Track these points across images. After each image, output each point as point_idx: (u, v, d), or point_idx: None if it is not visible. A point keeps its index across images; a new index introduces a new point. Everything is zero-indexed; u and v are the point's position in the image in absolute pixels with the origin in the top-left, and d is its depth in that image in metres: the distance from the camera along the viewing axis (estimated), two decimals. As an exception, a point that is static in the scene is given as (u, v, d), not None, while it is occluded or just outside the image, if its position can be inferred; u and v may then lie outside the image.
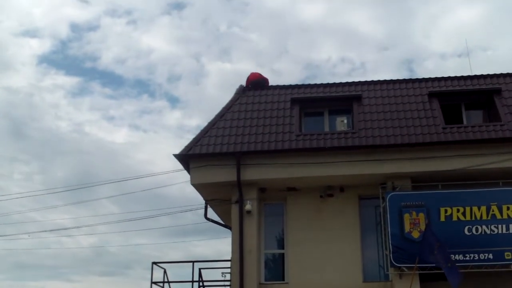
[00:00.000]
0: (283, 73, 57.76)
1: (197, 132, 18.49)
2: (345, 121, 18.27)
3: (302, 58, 60.10)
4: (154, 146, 55.53)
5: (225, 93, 53.88)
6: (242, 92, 20.20)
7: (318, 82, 20.44)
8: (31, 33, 60.56)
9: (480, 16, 55.45)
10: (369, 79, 20.34)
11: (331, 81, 20.53)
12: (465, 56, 56.18)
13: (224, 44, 61.39)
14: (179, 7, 65.23)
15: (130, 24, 61.96)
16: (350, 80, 20.63)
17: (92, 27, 63.06)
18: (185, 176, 19.18)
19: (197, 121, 59.29)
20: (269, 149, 17.43)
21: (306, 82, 20.44)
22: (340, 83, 20.36)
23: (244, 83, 20.68)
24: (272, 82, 20.86)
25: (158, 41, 60.53)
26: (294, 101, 19.24)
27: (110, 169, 49.10)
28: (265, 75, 20.87)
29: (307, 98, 19.40)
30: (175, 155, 17.54)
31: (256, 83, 20.53)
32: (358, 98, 18.99)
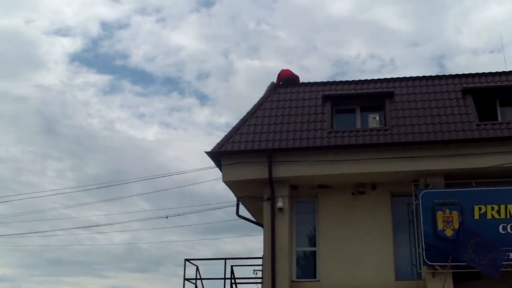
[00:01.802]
0: (312, 70, 57.76)
1: (227, 129, 18.81)
2: (377, 118, 18.23)
3: (331, 55, 60.13)
4: (183, 143, 56.17)
5: (254, 91, 54.29)
6: (273, 89, 20.30)
7: (348, 79, 20.58)
8: (62, 31, 61.68)
9: (513, 11, 54.60)
10: (399, 75, 20.38)
11: (360, 78, 20.93)
12: (497, 52, 55.30)
13: (252, 42, 61.67)
14: (208, 4, 65.69)
15: (160, 22, 62.64)
16: (379, 76, 20.83)
17: (122, 26, 63.98)
18: (215, 173, 19.40)
19: (226, 119, 59.70)
20: (301, 146, 17.48)
21: (335, 79, 20.49)
22: (372, 79, 20.36)
23: (274, 80, 20.79)
24: (301, 79, 21.03)
25: (187, 39, 61.14)
26: (325, 98, 19.27)
27: (140, 166, 49.71)
28: (294, 72, 21.04)
29: (339, 95, 19.41)
30: (207, 153, 17.72)
31: (288, 80, 20.60)
32: (390, 95, 18.95)
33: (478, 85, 19.16)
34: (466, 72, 19.96)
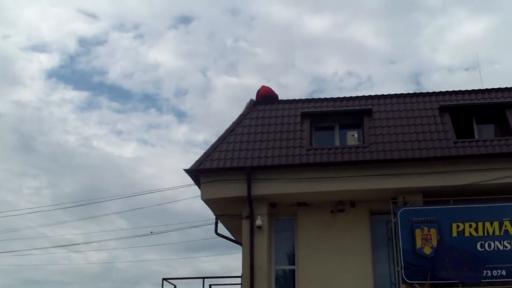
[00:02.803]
0: (290, 87, 57.99)
1: (205, 147, 18.73)
2: (356, 135, 18.28)
3: (309, 72, 60.45)
4: (161, 160, 55.78)
5: (232, 108, 54.20)
6: (252, 106, 20.32)
7: (325, 96, 20.66)
8: (39, 47, 61.25)
9: (487, 29, 55.53)
10: (376, 93, 20.53)
11: (338, 95, 20.76)
12: (472, 70, 56.12)
13: (230, 59, 61.78)
14: (186, 21, 65.74)
15: (138, 38, 62.51)
16: (357, 94, 20.88)
17: (100, 42, 63.63)
18: (194, 191, 19.30)
19: (205, 136, 59.45)
20: (280, 163, 17.47)
21: (313, 96, 20.63)
22: (350, 97, 20.47)
23: (253, 97, 20.85)
24: (280, 96, 21.08)
25: (165, 56, 61.05)
26: (304, 115, 19.33)
27: (118, 184, 49.28)
28: (272, 89, 21.10)
29: (318, 113, 19.47)
30: (186, 170, 17.64)
31: (267, 97, 20.66)
32: (368, 112, 19.04)
33: (455, 102, 19.29)
34: (443, 89, 20.12)
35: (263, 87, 21.20)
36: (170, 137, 59.22)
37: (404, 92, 20.48)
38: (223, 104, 57.65)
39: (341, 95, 20.76)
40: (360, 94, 20.59)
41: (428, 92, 20.17)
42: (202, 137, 59.94)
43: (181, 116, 65.33)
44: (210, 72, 61.84)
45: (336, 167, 17.03)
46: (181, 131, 60.51)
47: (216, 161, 17.87)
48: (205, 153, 18.18)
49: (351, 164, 17.00)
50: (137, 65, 61.85)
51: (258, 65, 59.22)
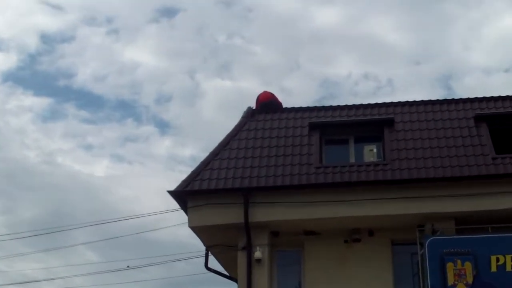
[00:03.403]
0: (295, 92, 57.69)
1: (193, 164, 18.87)
2: (375, 150, 18.40)
3: (317, 75, 60.00)
4: (140, 180, 55.53)
5: (225, 117, 53.97)
6: (250, 115, 20.44)
7: (337, 102, 21.02)
8: (-7, 46, 61.32)
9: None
10: (398, 99, 20.68)
11: (354, 102, 20.93)
12: (513, 71, 56.09)
13: (223, 58, 61.71)
14: (169, 13, 65.93)
15: (111, 34, 62.54)
16: (376, 100, 20.95)
17: (66, 38, 63.78)
18: (179, 217, 19.29)
19: (192, 151, 59.18)
20: (283, 184, 17.49)
21: (323, 103, 20.71)
22: (368, 104, 20.59)
23: (251, 105, 21.03)
24: (283, 103, 21.29)
25: (145, 55, 60.87)
26: (313, 126, 19.39)
27: (87, 209, 49.05)
28: (275, 95, 21.31)
29: (329, 123, 19.57)
30: (170, 192, 17.66)
31: (268, 104, 20.80)
32: (389, 123, 19.10)
33: (493, 111, 19.35)
34: (479, 95, 20.23)
35: (263, 92, 21.34)
36: (150, 152, 59.02)
37: (432, 98, 20.63)
38: (215, 112, 57.60)
39: (357, 102, 20.92)
40: (379, 101, 20.71)
41: (461, 99, 20.26)
42: (189, 152, 59.75)
43: (163, 127, 65.34)
44: (199, 75, 61.77)
45: (351, 188, 17.07)
46: (164, 145, 60.28)
47: (206, 181, 17.86)
48: (193, 172, 18.18)
49: (369, 185, 17.05)
50: (110, 66, 61.94)
51: (257, 66, 59.07)
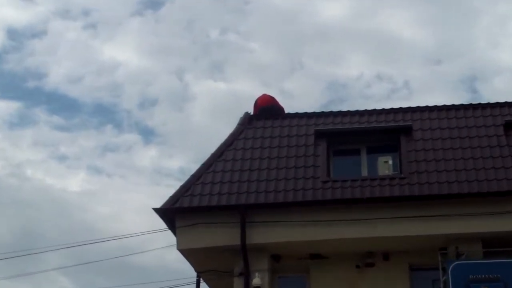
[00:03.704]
0: (297, 95, 57.02)
1: (182, 177, 18.98)
2: (390, 162, 18.44)
3: (324, 75, 59.52)
4: (121, 196, 55.24)
5: (218, 124, 53.34)
6: (247, 122, 20.54)
7: (347, 107, 21.11)
8: (-50, 42, 61.24)
9: None
10: (417, 104, 20.85)
11: (365, 107, 21.05)
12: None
13: (216, 57, 61.34)
14: (154, 5, 66.00)
15: (88, 29, 62.10)
16: (391, 105, 21.04)
17: (37, 33, 63.56)
18: (167, 238, 19.29)
19: (181, 162, 58.83)
20: (286, 200, 17.54)
21: (330, 108, 20.82)
22: (382, 110, 20.73)
23: (249, 110, 21.19)
24: (285, 108, 21.46)
25: (126, 53, 60.37)
26: (319, 134, 19.46)
27: (61, 228, 48.88)
28: (276, 98, 21.46)
29: (337, 131, 19.68)
30: (156, 210, 17.66)
31: (268, 109, 20.94)
32: (407, 131, 19.18)
33: (526, 117, 19.43)
34: (509, 99, 20.29)
35: (262, 96, 21.50)
36: (133, 163, 58.41)
37: (455, 102, 20.71)
38: (207, 118, 57.15)
39: (369, 107, 21.10)
40: (394, 106, 20.86)
41: (488, 103, 20.35)
42: (177, 163, 59.28)
43: (148, 134, 65.23)
44: (188, 75, 61.54)
45: (363, 205, 17.12)
46: (148, 156, 59.75)
47: (197, 197, 17.91)
48: (182, 187, 18.26)
49: (384, 202, 17.10)
50: (87, 65, 61.58)
51: (254, 65, 58.71)
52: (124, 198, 54.58)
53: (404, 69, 58.59)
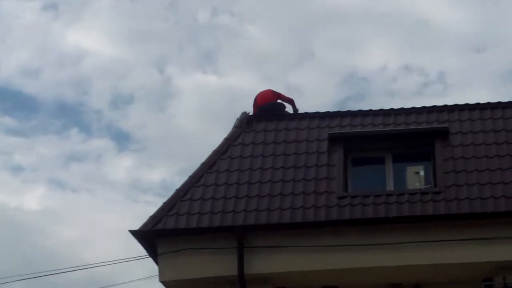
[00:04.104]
0: (307, 91, 56.60)
1: (164, 193, 19.01)
2: (422, 172, 18.45)
3: (339, 67, 58.88)
4: (90, 216, 54.92)
5: (209, 126, 53.02)
6: (246, 124, 20.59)
7: (368, 106, 21.30)
8: None
9: None
10: (455, 101, 20.81)
11: (390, 105, 21.10)
12: None
13: (206, 44, 60.95)
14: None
15: (48, 10, 62.33)
16: (422, 103, 21.04)
17: (-19, 15, 63.47)
18: (146, 266, 19.52)
19: (163, 174, 58.29)
20: (293, 221, 17.47)
21: (348, 107, 20.76)
22: (412, 109, 20.80)
23: (248, 110, 21.31)
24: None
25: (95, 39, 60.35)
26: (334, 139, 19.50)
27: (16, 255, 48.76)
28: (280, 94, 21.63)
29: (357, 135, 19.78)
30: (134, 232, 17.65)
31: (270, 109, 21.11)
32: (442, 135, 19.20)
33: None
34: None
35: (264, 92, 21.63)
36: (104, 176, 58.31)
37: (502, 99, 20.66)
38: (195, 120, 56.48)
39: (395, 105, 21.11)
40: (427, 104, 20.83)
41: (543, 100, 20.36)
42: (158, 175, 59.10)
43: (122, 140, 64.52)
44: (171, 67, 60.68)
45: (388, 227, 17.12)
46: (123, 166, 59.47)
47: (184, 216, 17.87)
48: (165, 204, 18.27)
49: (414, 222, 17.07)
50: (47, 55, 61.26)
51: (253, 54, 57.93)
52: (93, 218, 53.91)
53: (438, 59, 57.95)
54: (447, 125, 19.53)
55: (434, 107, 20.64)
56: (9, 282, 22.15)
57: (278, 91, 21.67)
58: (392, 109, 20.77)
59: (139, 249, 18.31)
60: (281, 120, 20.66)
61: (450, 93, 54.68)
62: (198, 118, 55.54)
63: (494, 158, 18.42)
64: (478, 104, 20.46)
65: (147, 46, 58.63)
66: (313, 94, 54.84)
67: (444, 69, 59.04)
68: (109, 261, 21.90)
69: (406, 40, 56.59)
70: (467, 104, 20.49)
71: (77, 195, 56.58)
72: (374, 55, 56.86)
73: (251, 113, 21.10)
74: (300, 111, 21.27)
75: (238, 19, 59.28)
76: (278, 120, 20.67)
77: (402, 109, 20.76)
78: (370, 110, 20.87)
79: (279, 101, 21.49)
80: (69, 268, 23.50)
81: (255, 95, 21.48)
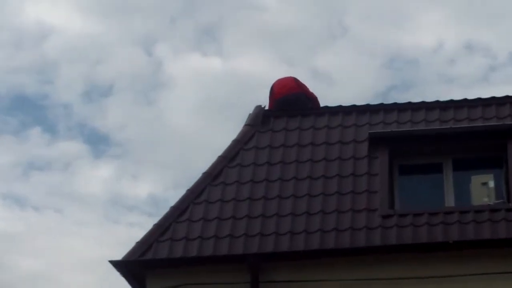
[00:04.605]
0: (337, 78, 57.30)
1: (153, 210, 19.28)
2: (492, 183, 18.39)
3: (379, 46, 59.49)
4: (57, 241, 55.33)
5: (211, 125, 53.29)
6: (261, 122, 20.79)
7: (418, 97, 21.34)
8: None
9: None
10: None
11: (447, 96, 21.90)
12: None
13: (206, 18, 61.22)
14: None
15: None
16: (489, 92, 21.52)
17: None
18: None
19: (151, 186, 58.82)
20: (322, 247, 17.41)
21: (392, 98, 20.61)
22: (477, 100, 20.90)
23: (264, 103, 21.72)
24: (321, 99, 22.25)
25: (62, 12, 61.16)
26: (377, 141, 19.66)
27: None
28: (303, 84, 22.07)
29: (406, 136, 19.77)
30: (115, 263, 17.67)
31: (291, 101, 21.22)
32: None
33: None
34: None
35: (283, 79, 21.91)
36: (75, 189, 58.79)
37: None
38: (192, 116, 56.92)
39: (454, 96, 21.69)
40: (496, 94, 21.01)
41: None
42: (146, 188, 59.77)
43: (98, 143, 65.76)
44: (161, 47, 61.15)
45: (449, 254, 17.03)
46: (99, 177, 59.74)
47: (181, 242, 17.90)
48: (156, 226, 18.36)
49: (482, 248, 16.93)
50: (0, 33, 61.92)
51: (268, 31, 58.49)
52: (61, 245, 54.46)
53: (509, 34, 57.87)
54: (524, 121, 19.36)
55: (507, 97, 20.77)
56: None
57: (301, 81, 21.83)
58: (451, 101, 20.92)
59: (122, 286, 18.57)
60: (306, 116, 20.84)
61: (526, 80, 54.73)
62: (196, 114, 55.75)
63: None
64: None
65: (130, 21, 58.70)
66: (346, 83, 55.05)
67: (515, 49, 58.91)
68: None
69: (467, 11, 56.68)
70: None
71: (40, 214, 57.19)
72: (425, 30, 57.11)
73: (267, 107, 21.32)
74: (329, 104, 21.36)
75: (247, -12, 59.43)
76: (303, 116, 20.84)
77: (464, 100, 20.92)
78: (423, 103, 21.01)
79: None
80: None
81: (272, 84, 21.76)
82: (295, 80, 21.56)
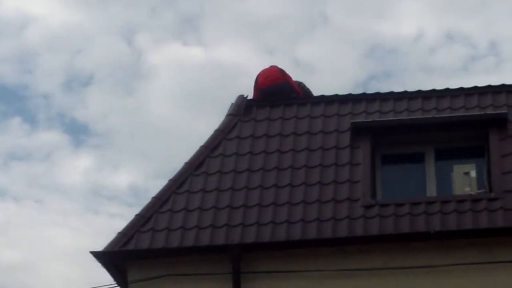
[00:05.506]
0: (318, 68, 57.30)
1: (134, 200, 18.98)
2: (473, 173, 18.30)
3: (360, 35, 59.51)
4: (37, 232, 55.14)
5: (193, 115, 53.23)
6: (243, 112, 20.64)
7: (399, 87, 21.18)
8: None
9: None
10: None
11: (428, 85, 21.21)
12: None
13: (187, 6, 61.08)
14: None
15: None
16: (469, 82, 21.31)
17: None
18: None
19: (132, 176, 58.67)
20: (304, 237, 17.28)
21: (373, 88, 20.58)
22: (459, 90, 20.77)
23: (247, 93, 21.52)
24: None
25: (40, 1, 60.89)
26: (359, 130, 19.49)
27: None
28: (287, 73, 21.79)
29: (388, 125, 19.68)
30: (96, 254, 17.51)
31: (275, 91, 21.02)
32: (499, 123, 19.11)
33: None
34: None
35: (267, 69, 21.67)
36: (55, 179, 58.55)
37: None
38: (174, 106, 56.90)
39: (436, 86, 21.20)
40: (478, 83, 20.90)
41: None
42: (126, 178, 58.92)
43: (78, 133, 64.38)
44: (142, 37, 61.42)
45: (430, 244, 16.92)
46: (79, 167, 59.54)
47: (163, 233, 17.74)
48: (138, 217, 18.22)
49: (464, 238, 16.86)
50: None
51: (250, 20, 58.35)
52: (41, 235, 54.23)
53: (489, 24, 57.97)
54: (505, 111, 19.44)
55: (489, 87, 20.66)
56: None
57: (286, 71, 21.71)
58: (433, 91, 20.77)
59: (103, 276, 18.46)
60: (289, 106, 20.73)
61: (506, 69, 54.71)
62: (178, 104, 56.02)
63: None
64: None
65: (111, 10, 58.58)
66: (327, 72, 54.93)
67: (498, 38, 59.04)
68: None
69: (447, 1, 56.62)
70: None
71: (19, 205, 56.77)
72: (405, 20, 57.08)
73: (250, 97, 21.15)
74: (314, 93, 21.19)
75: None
76: (286, 105, 20.73)
77: (446, 90, 20.78)
78: (405, 92, 20.93)
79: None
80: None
81: (257, 74, 21.64)
82: (280, 71, 21.41)
